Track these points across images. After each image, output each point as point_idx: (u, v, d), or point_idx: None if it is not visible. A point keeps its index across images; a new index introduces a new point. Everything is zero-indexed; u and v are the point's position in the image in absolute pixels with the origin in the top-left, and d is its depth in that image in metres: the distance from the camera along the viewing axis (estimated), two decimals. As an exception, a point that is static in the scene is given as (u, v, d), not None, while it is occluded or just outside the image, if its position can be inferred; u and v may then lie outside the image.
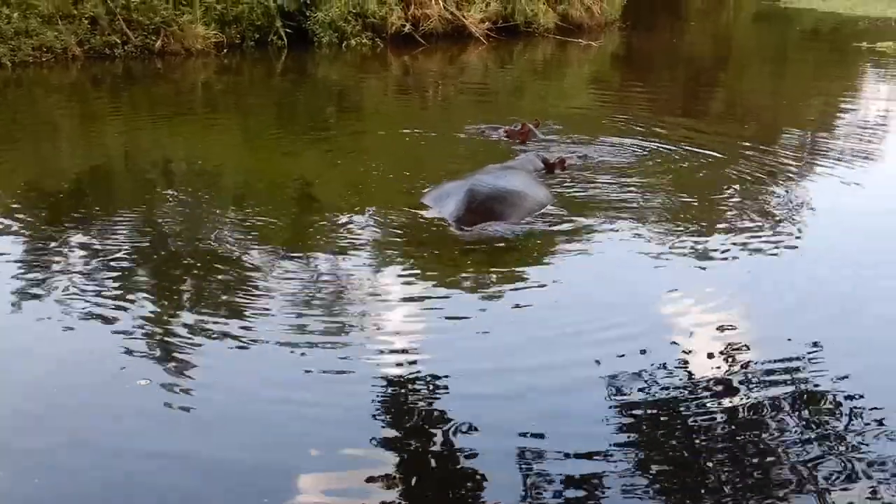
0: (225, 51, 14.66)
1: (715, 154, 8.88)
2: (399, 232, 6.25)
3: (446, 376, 4.26)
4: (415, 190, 7.09)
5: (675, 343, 4.62)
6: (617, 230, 6.43)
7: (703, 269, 5.77)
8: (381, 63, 15.10)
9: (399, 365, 4.37)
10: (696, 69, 16.63)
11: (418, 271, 5.59)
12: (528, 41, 17.43)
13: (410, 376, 4.27)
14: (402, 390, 4.14)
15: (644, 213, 6.84)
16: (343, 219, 6.51)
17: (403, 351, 4.51)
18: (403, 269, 5.60)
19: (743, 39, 22.30)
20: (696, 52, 19.28)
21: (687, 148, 9.08)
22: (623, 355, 4.41)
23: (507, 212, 6.26)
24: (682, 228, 6.53)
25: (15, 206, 6.72)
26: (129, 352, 4.42)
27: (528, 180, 6.95)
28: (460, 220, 6.19)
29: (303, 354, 4.43)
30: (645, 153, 8.79)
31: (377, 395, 4.08)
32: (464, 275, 5.54)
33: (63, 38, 13.38)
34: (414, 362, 4.40)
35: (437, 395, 4.11)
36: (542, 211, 6.63)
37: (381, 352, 4.50)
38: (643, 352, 4.47)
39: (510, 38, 17.10)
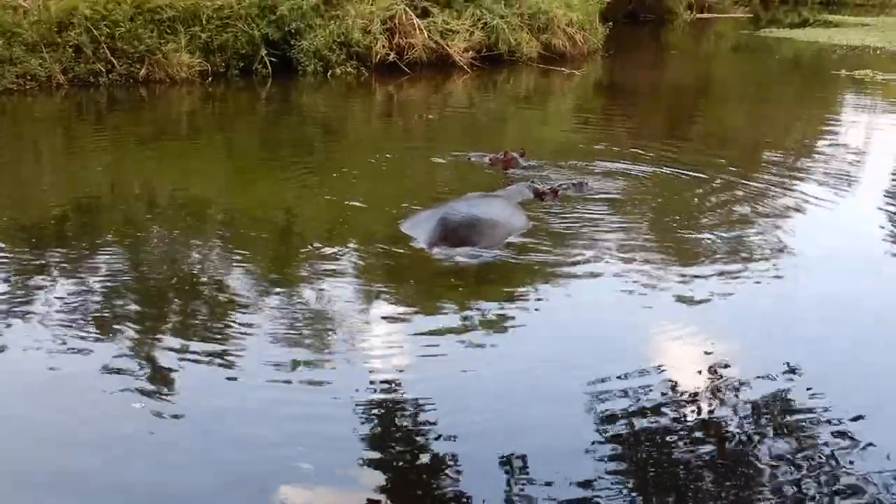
0: (209, 79, 14.70)
1: (699, 179, 8.95)
2: (381, 260, 6.26)
3: (431, 405, 4.26)
4: (398, 218, 7.10)
5: (661, 375, 4.62)
6: (601, 258, 6.44)
7: (688, 296, 5.75)
8: (366, 91, 15.17)
9: (384, 391, 4.37)
10: (679, 97, 16.79)
11: (400, 300, 5.61)
12: (512, 70, 17.54)
13: (395, 403, 4.27)
14: (387, 418, 4.14)
15: (629, 242, 6.87)
16: (326, 247, 6.52)
17: (386, 380, 4.51)
18: (385, 298, 5.62)
19: (724, 68, 22.54)
20: (677, 80, 19.46)
21: (671, 174, 9.15)
22: (607, 387, 4.43)
23: (477, 238, 6.34)
24: (666, 257, 6.55)
25: (-3, 234, 6.68)
26: (114, 379, 4.42)
27: (505, 208, 7.01)
28: (431, 246, 6.30)
29: (287, 382, 4.43)
30: (630, 180, 8.86)
31: (361, 422, 4.08)
32: (445, 304, 5.53)
33: (47, 65, 13.41)
34: (398, 389, 4.41)
35: (421, 423, 4.10)
36: (525, 240, 6.80)
37: (365, 379, 4.50)
38: (628, 384, 4.48)
39: (494, 67, 17.23)
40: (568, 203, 7.89)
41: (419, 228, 6.58)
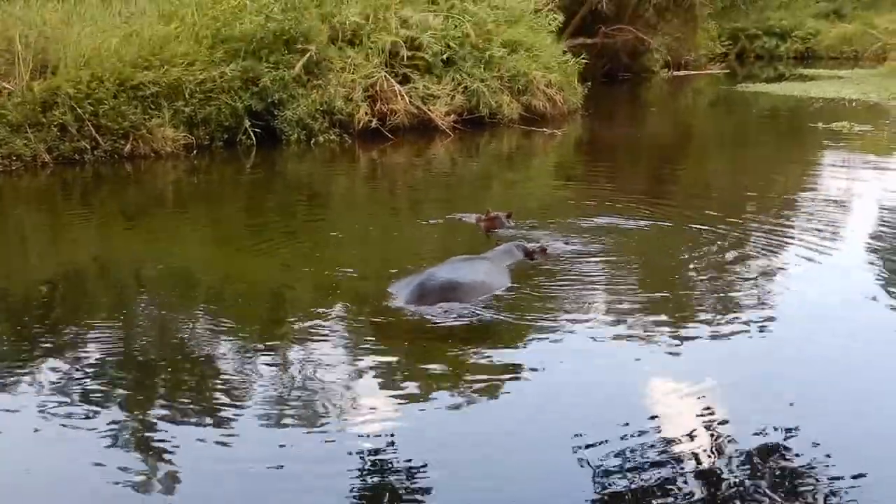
0: (194, 152, 14.78)
1: (685, 233, 9.05)
2: (369, 324, 6.28)
3: (423, 471, 4.24)
4: (387, 282, 7.12)
5: (657, 431, 4.61)
6: (591, 315, 6.47)
7: (679, 353, 5.77)
8: (349, 158, 15.30)
9: (375, 462, 4.36)
10: (659, 152, 16.97)
11: (390, 365, 5.61)
12: (494, 132, 17.74)
13: (388, 469, 4.26)
14: (381, 478, 4.16)
15: (618, 298, 6.89)
16: (315, 314, 6.52)
17: (379, 449, 4.49)
18: (375, 361, 5.63)
19: (703, 123, 22.85)
20: (658, 136, 19.67)
21: (656, 228, 9.25)
22: (602, 449, 4.40)
23: (455, 299, 6.53)
24: (656, 313, 6.54)
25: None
26: (107, 455, 4.40)
27: (487, 269, 7.14)
28: (406, 300, 6.53)
29: (281, 446, 4.46)
30: (617, 235, 8.94)
31: (355, 483, 4.10)
32: (436, 367, 5.54)
33: (32, 145, 13.46)
34: (390, 457, 4.40)
35: (416, 490, 4.08)
36: (514, 298, 6.76)
37: (358, 450, 4.48)
38: (622, 444, 4.45)
39: (476, 130, 17.42)
40: (557, 261, 7.94)
41: (402, 293, 6.70)
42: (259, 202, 11.73)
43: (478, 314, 6.41)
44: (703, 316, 6.46)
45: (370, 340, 6.01)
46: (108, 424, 4.76)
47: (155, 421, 4.78)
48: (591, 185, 12.79)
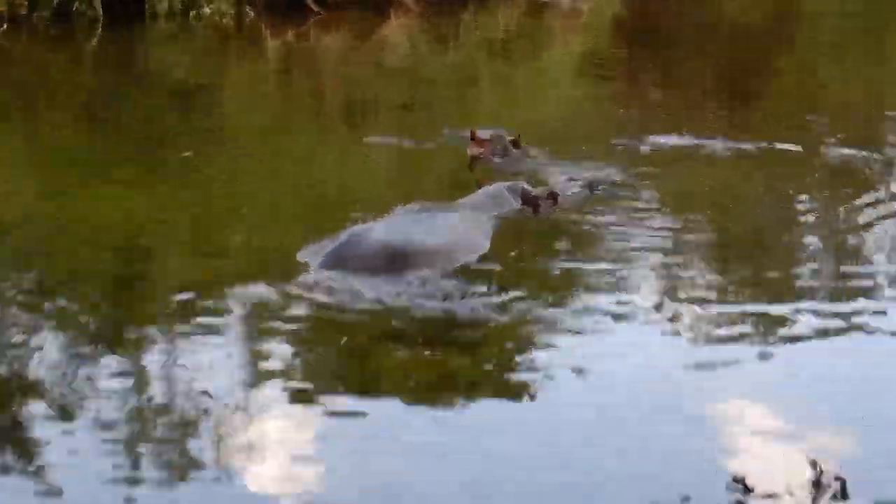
0: (3, 27, 14.77)
1: (786, 164, 9.05)
2: (267, 311, 6.26)
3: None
4: (294, 244, 7.11)
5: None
6: (624, 301, 6.45)
7: (757, 362, 5.76)
8: (251, 43, 15.27)
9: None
10: (747, 43, 16.81)
11: (312, 375, 5.67)
12: (483, 5, 17.76)
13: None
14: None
15: (671, 277, 6.92)
16: (191, 294, 6.47)
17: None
18: (289, 374, 5.62)
19: (817, 9, 22.66)
20: (744, 16, 19.71)
21: (739, 156, 9.30)
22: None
23: (393, 271, 6.71)
24: (727, 299, 6.59)
25: None
26: None
27: (455, 225, 7.37)
28: (319, 271, 6.67)
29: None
30: (675, 170, 8.99)
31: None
32: (381, 383, 5.62)
33: None
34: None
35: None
36: (482, 274, 6.80)
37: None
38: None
39: (455, 1, 17.48)
40: (578, 213, 7.96)
41: (317, 262, 6.80)
42: (107, 114, 11.56)
43: (423, 299, 6.37)
44: (804, 307, 6.36)
45: (267, 338, 5.95)
46: None
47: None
48: (637, 90, 12.69)
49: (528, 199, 7.94)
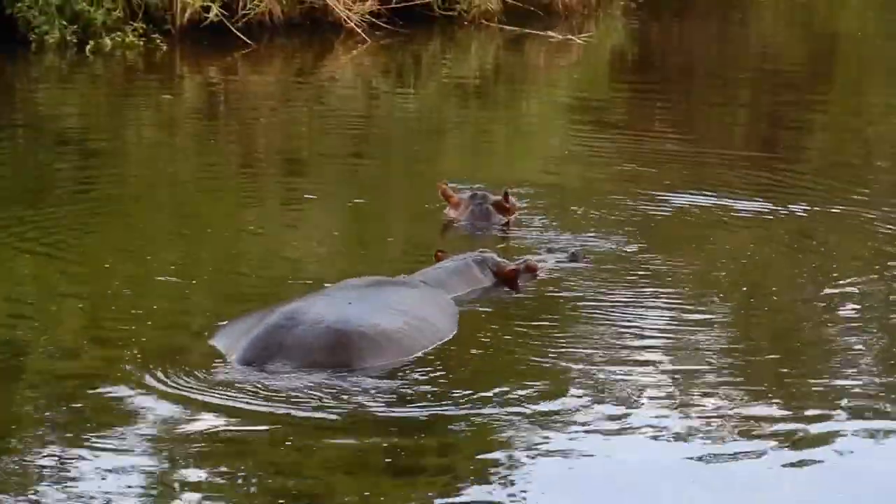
0: None
1: (818, 222, 9.17)
2: (183, 430, 6.18)
3: None
4: (208, 325, 7.14)
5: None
6: (621, 398, 6.52)
7: (781, 460, 5.88)
8: (164, 83, 15.31)
9: None
10: (775, 81, 16.99)
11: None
12: (450, 35, 18.16)
13: None
14: None
15: (680, 365, 6.98)
16: (67, 386, 6.56)
17: None
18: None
19: (855, 30, 22.90)
20: (771, 50, 20.00)
21: (761, 215, 9.42)
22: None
23: (339, 363, 6.66)
24: (744, 390, 6.68)
25: None
26: None
27: (413, 304, 7.36)
28: (244, 362, 6.62)
29: None
30: (682, 231, 9.12)
31: None
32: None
33: None
34: None
35: None
36: (451, 368, 6.79)
37: None
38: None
39: (415, 31, 17.76)
40: (561, 284, 8.03)
41: (239, 349, 6.75)
42: None
43: (377, 396, 6.37)
44: (835, 396, 6.55)
45: (171, 463, 5.88)
46: None
47: None
48: (641, 143, 12.67)
49: (503, 274, 7.96)
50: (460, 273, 7.96)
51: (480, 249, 8.30)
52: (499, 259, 8.15)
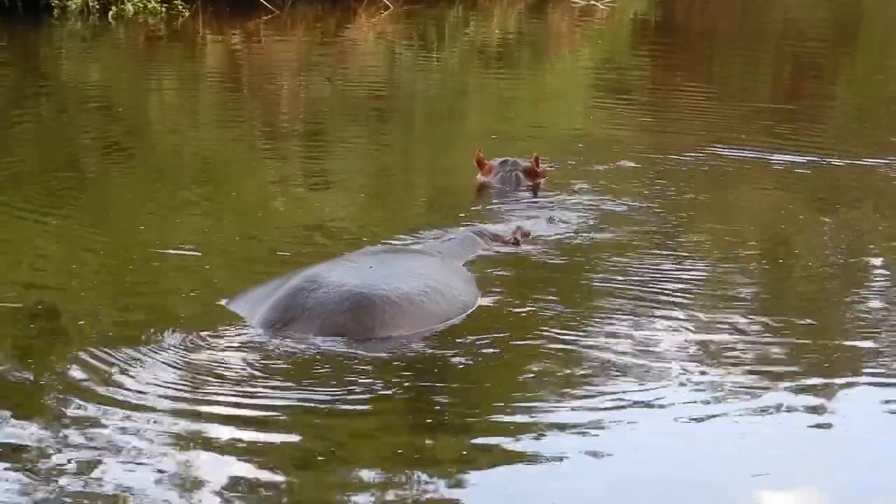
0: None
1: (832, 207, 8.91)
2: (198, 395, 6.09)
3: None
4: (226, 293, 7.10)
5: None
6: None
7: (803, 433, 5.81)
8: (185, 47, 15.31)
9: None
10: (797, 48, 17.03)
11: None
12: (473, 1, 18.26)
13: None
14: None
15: (697, 334, 6.86)
16: (99, 349, 6.41)
17: None
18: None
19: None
20: (794, 13, 20.14)
21: (794, 182, 9.42)
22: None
23: (370, 325, 6.65)
24: (772, 361, 6.53)
25: None
26: None
27: (437, 272, 7.39)
28: (269, 328, 6.62)
29: None
30: (710, 201, 9.00)
31: None
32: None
33: None
34: None
35: None
36: (484, 335, 6.65)
37: None
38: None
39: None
40: (582, 248, 8.07)
41: (256, 309, 6.78)
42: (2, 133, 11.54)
43: (411, 363, 6.33)
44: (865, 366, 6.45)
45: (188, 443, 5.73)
46: None
47: None
48: (671, 97, 12.84)
49: (504, 243, 8.14)
50: (469, 244, 8.06)
51: (468, 224, 8.49)
52: (492, 228, 8.34)
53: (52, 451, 5.59)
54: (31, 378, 6.42)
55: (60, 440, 5.70)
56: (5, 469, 5.53)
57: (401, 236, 8.11)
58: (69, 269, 7.95)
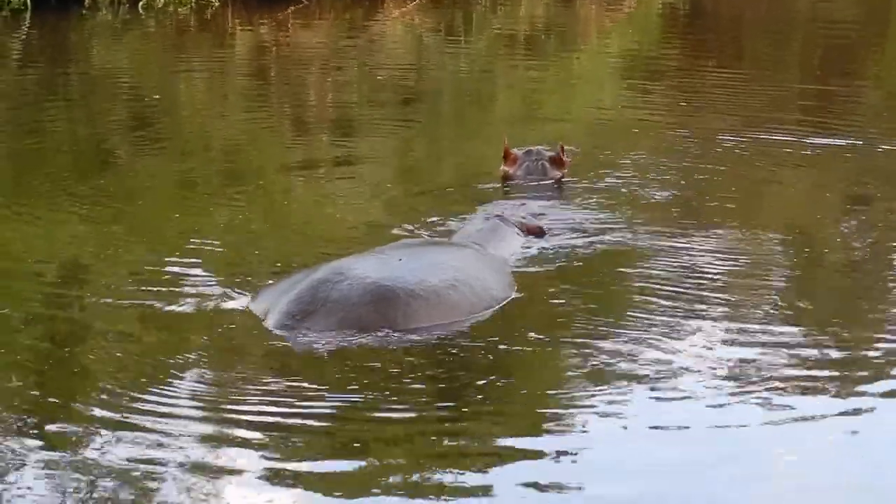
0: None
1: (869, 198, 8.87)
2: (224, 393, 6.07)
3: None
4: (251, 287, 7.19)
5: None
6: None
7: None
8: (215, 39, 15.43)
9: None
10: (827, 32, 16.93)
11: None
12: None
13: None
14: None
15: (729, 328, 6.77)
16: (120, 349, 6.46)
17: None
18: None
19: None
20: (825, 3, 19.88)
21: (823, 165, 9.39)
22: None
23: (400, 318, 6.57)
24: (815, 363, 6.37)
25: None
26: None
27: (468, 263, 7.34)
28: (289, 321, 6.54)
29: None
30: (739, 185, 8.99)
31: None
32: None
33: None
34: None
35: None
36: (517, 329, 6.71)
37: None
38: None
39: None
40: (614, 235, 8.03)
41: (281, 299, 6.74)
42: (35, 125, 11.66)
43: (444, 361, 6.30)
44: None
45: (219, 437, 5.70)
46: None
47: None
48: (693, 99, 12.60)
49: (531, 230, 8.10)
50: (501, 233, 8.01)
51: (486, 208, 8.50)
52: (514, 213, 8.32)
53: (80, 447, 5.48)
54: (53, 362, 6.44)
55: (88, 434, 5.59)
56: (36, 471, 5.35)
57: (427, 225, 8.09)
58: (98, 254, 7.99)
